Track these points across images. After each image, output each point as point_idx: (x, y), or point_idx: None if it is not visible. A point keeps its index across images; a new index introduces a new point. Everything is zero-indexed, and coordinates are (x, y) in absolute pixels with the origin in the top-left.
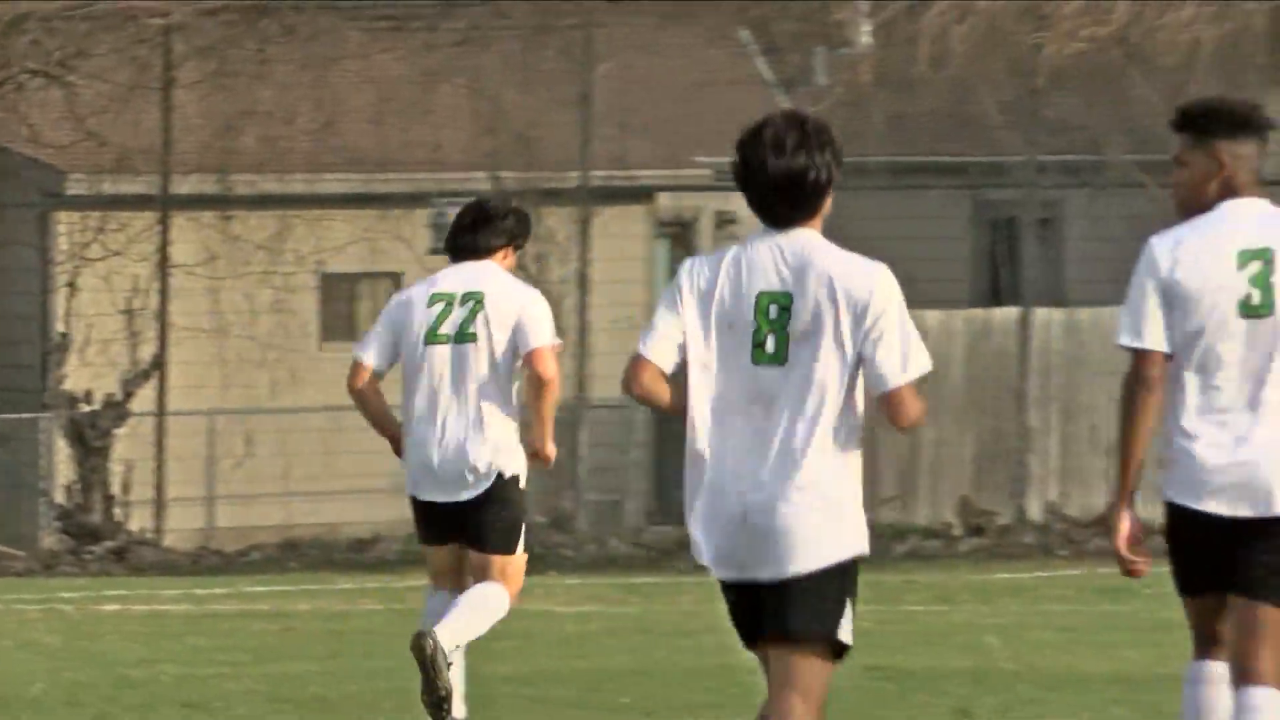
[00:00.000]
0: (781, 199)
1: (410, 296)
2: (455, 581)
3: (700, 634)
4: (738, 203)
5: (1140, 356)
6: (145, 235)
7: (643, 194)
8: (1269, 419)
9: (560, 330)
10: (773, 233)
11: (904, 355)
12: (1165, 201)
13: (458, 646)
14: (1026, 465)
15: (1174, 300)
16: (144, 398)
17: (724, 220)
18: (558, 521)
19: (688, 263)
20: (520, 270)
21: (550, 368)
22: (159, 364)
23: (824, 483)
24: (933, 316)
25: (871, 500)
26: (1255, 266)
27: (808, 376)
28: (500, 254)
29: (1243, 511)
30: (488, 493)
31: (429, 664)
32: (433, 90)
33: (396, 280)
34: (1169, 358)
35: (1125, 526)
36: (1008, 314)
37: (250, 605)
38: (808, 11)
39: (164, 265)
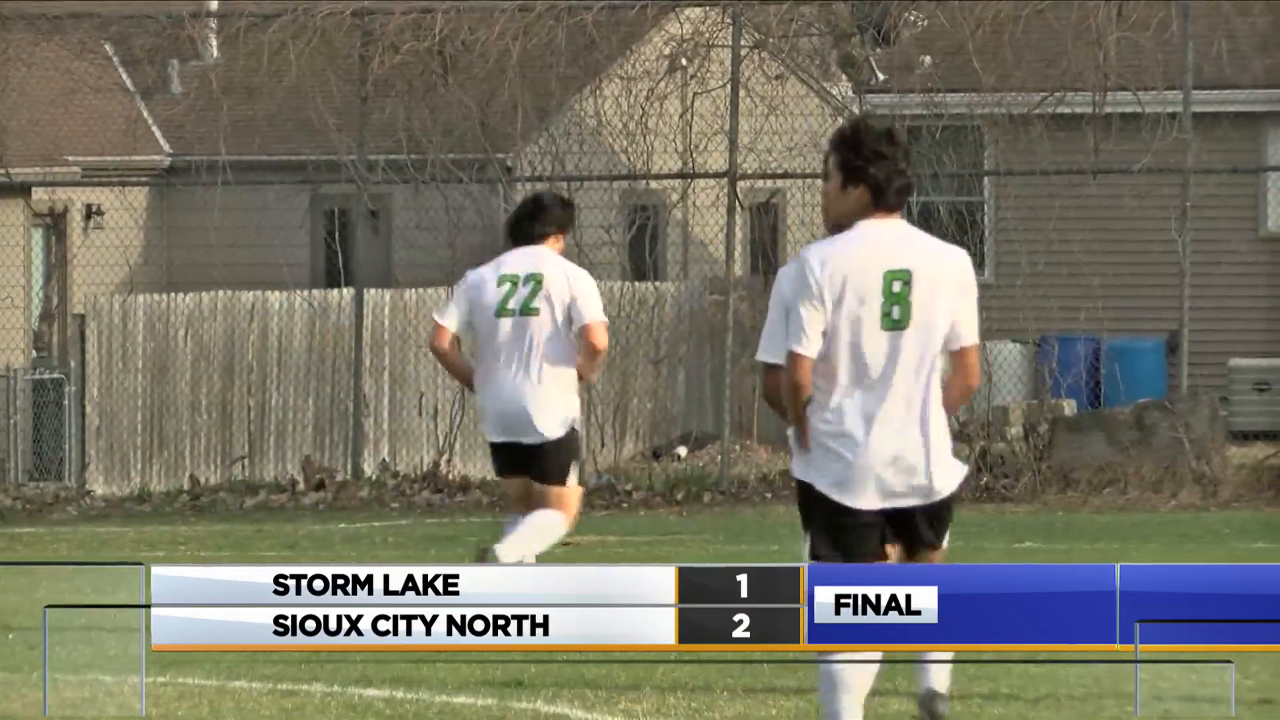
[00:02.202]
0: (889, 193)
1: (482, 276)
2: (528, 507)
3: (74, 577)
4: (103, 195)
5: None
6: None
7: (20, 189)
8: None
9: None
10: (881, 220)
11: (973, 322)
12: (479, 195)
13: (521, 559)
14: (362, 427)
15: None
16: None
17: (92, 212)
18: None
19: (814, 253)
20: None
21: (601, 340)
22: None
23: (941, 424)
24: (275, 297)
25: (224, 458)
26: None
27: (925, 338)
28: (552, 239)
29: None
30: (545, 438)
31: None
32: None
33: None
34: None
35: None
36: (344, 295)
37: None
38: (162, 28)
39: None
